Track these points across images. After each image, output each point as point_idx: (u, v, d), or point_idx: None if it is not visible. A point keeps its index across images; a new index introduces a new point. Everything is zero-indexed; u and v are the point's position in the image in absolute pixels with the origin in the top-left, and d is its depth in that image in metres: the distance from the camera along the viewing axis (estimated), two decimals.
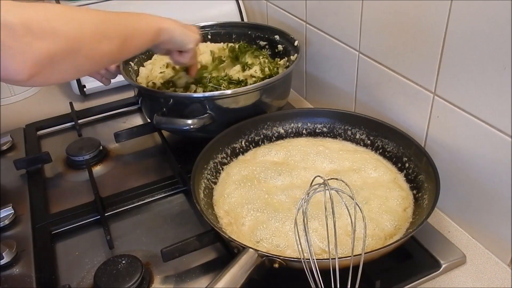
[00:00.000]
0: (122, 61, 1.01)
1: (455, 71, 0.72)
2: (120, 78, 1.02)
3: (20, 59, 0.58)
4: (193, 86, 1.00)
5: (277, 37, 1.11)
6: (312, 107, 1.19)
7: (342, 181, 0.69)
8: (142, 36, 0.77)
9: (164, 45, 0.84)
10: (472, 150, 0.74)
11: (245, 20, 1.35)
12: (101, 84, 0.99)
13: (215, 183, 0.85)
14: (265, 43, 1.14)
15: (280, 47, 1.11)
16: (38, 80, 0.62)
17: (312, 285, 0.58)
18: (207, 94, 0.92)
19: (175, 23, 0.84)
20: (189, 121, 0.89)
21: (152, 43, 0.80)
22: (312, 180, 0.65)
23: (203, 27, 1.18)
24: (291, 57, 1.05)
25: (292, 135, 0.95)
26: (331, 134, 0.94)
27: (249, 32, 1.16)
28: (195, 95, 0.94)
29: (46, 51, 0.59)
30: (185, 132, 0.97)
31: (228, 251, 0.77)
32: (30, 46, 0.58)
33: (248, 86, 0.93)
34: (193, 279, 0.74)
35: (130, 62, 1.06)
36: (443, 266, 0.73)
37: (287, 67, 1.06)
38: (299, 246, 0.60)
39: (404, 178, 0.83)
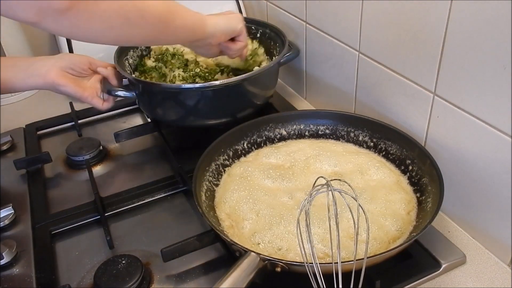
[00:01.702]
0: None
1: (455, 71, 0.72)
2: None
3: None
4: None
5: (267, 30, 1.13)
6: (312, 107, 1.19)
7: (345, 182, 0.69)
8: (188, 18, 0.78)
9: (211, 39, 0.85)
10: (472, 150, 0.74)
11: None
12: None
13: (216, 185, 0.85)
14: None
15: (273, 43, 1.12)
16: (81, 12, 0.58)
17: None
18: (197, 85, 0.94)
19: (213, 16, 0.86)
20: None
21: (195, 31, 0.81)
22: (315, 181, 0.65)
23: None
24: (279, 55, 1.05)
25: (294, 137, 0.95)
26: (334, 136, 0.93)
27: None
28: (184, 86, 0.96)
29: None
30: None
31: (228, 251, 0.77)
32: None
33: (233, 78, 0.95)
34: (193, 279, 0.74)
35: (129, 57, 1.09)
36: (443, 266, 0.73)
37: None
38: (302, 248, 0.60)
39: (408, 181, 0.82)
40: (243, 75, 0.94)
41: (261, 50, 1.11)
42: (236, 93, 0.97)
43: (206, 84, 0.93)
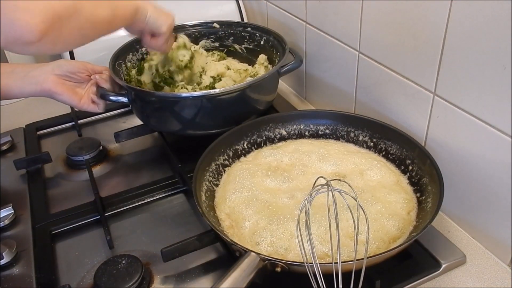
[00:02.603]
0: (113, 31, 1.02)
1: (455, 71, 0.72)
2: None
3: (30, 15, 0.58)
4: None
5: (271, 38, 1.12)
6: (312, 107, 1.19)
7: (345, 182, 0.69)
8: (126, 9, 0.79)
9: (138, 24, 0.84)
10: (472, 150, 0.74)
11: (245, 20, 1.35)
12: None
13: (216, 185, 0.85)
14: (239, 46, 1.18)
15: (273, 49, 1.11)
16: (48, 41, 0.62)
17: None
18: (195, 93, 0.92)
19: (150, 4, 0.85)
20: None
21: (131, 19, 0.82)
22: (315, 181, 0.65)
23: (194, 26, 1.19)
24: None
25: (294, 137, 0.95)
26: (334, 136, 0.93)
27: (243, 32, 1.18)
28: (184, 94, 0.95)
29: (53, 6, 0.61)
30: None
31: (228, 251, 0.77)
32: (38, 2, 0.59)
33: (234, 86, 0.95)
34: (193, 279, 0.74)
35: (127, 61, 1.09)
36: (443, 266, 0.73)
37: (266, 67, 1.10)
38: (302, 248, 0.60)
39: (408, 181, 0.82)
40: (244, 83, 0.93)
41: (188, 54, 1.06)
42: (237, 101, 0.94)
43: (205, 92, 0.92)
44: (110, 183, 0.97)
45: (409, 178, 0.83)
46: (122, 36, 1.22)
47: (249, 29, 1.17)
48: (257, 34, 1.15)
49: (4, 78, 0.87)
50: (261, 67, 1.10)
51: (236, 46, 1.19)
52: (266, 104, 1.03)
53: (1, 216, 0.86)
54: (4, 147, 1.08)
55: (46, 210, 0.90)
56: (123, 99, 0.97)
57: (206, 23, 1.19)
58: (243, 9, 1.35)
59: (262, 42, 1.15)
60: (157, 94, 0.97)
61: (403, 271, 0.72)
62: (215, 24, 1.19)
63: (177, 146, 1.03)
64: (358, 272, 0.59)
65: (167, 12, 0.89)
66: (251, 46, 1.18)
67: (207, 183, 0.82)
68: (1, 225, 0.85)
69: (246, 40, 1.18)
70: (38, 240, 0.83)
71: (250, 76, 1.07)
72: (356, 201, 0.62)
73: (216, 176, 0.85)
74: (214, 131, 0.94)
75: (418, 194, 0.79)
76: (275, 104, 1.12)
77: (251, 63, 1.16)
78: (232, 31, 1.19)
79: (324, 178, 0.63)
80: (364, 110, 0.98)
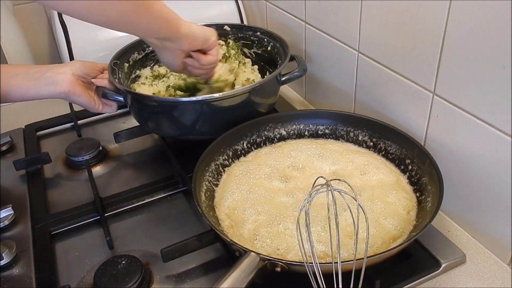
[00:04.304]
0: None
1: (454, 70, 0.72)
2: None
3: None
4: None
5: (277, 44, 1.10)
6: (312, 107, 1.19)
7: (345, 182, 0.69)
8: (163, 17, 0.76)
9: (185, 40, 0.81)
10: (472, 150, 0.74)
11: (245, 20, 1.35)
12: None
13: (216, 185, 0.84)
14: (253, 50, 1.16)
15: (273, 53, 1.10)
16: None
17: None
18: (193, 98, 0.90)
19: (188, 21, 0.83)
20: None
21: (173, 33, 0.78)
22: (315, 181, 0.65)
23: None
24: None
25: (294, 137, 0.95)
26: (333, 135, 0.93)
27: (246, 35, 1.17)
28: (182, 99, 0.92)
29: None
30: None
31: (228, 251, 0.77)
32: None
33: (234, 90, 0.95)
34: (193, 279, 0.74)
35: (131, 60, 1.08)
36: (443, 265, 0.73)
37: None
38: (302, 248, 0.60)
39: (407, 181, 0.82)
40: (247, 87, 0.91)
41: (229, 66, 1.04)
42: (234, 107, 0.92)
43: (207, 96, 0.89)
44: (110, 183, 0.97)
45: (408, 178, 0.83)
46: (121, 36, 1.23)
47: (258, 33, 1.14)
48: (265, 40, 1.13)
49: (18, 79, 0.85)
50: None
51: (246, 50, 1.17)
52: (267, 108, 1.01)
53: (1, 216, 0.85)
54: (4, 148, 1.08)
55: (45, 211, 0.90)
56: (120, 98, 0.96)
57: (216, 25, 1.17)
58: (243, 9, 1.35)
59: (269, 48, 1.12)
60: (156, 98, 0.95)
61: (403, 271, 0.72)
62: (226, 27, 1.16)
63: (176, 147, 1.03)
64: (358, 271, 0.59)
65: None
66: (259, 51, 1.15)
67: (206, 183, 0.82)
68: (1, 226, 0.85)
69: (255, 45, 1.15)
70: (38, 241, 0.83)
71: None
72: (356, 200, 0.62)
73: (216, 176, 0.85)
74: (211, 137, 0.90)
75: (417, 194, 0.79)
76: (275, 103, 1.11)
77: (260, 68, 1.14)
78: (242, 35, 1.16)
79: (324, 178, 0.63)
80: (364, 109, 0.98)
